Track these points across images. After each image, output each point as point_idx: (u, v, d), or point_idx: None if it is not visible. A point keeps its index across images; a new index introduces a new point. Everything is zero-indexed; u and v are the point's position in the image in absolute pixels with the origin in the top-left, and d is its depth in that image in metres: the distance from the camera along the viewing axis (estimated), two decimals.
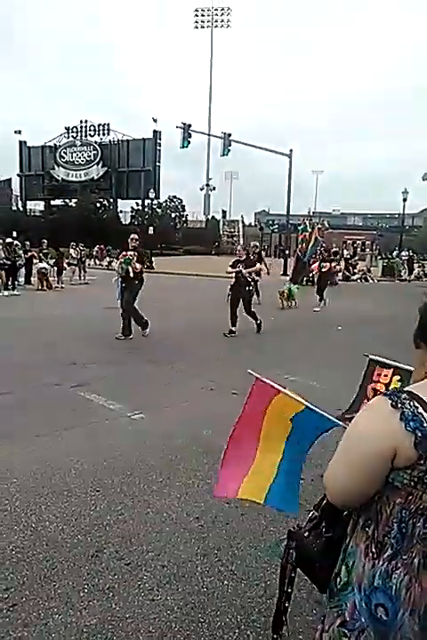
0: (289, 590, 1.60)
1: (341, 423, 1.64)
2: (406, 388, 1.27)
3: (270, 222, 65.36)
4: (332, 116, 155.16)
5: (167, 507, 3.55)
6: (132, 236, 10.57)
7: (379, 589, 1.24)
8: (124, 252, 10.09)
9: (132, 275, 9.77)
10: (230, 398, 5.91)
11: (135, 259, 9.92)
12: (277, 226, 60.07)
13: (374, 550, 1.26)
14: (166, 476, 4.00)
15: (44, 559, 2.92)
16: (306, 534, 1.52)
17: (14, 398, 5.93)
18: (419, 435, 1.16)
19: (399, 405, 1.20)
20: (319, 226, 27.82)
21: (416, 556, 1.21)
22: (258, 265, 11.35)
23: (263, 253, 17.31)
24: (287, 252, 30.81)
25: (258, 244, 16.39)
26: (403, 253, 36.11)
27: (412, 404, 1.20)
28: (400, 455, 1.18)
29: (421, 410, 1.18)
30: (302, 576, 1.62)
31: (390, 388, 1.86)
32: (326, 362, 8.03)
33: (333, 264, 24.46)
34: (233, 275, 10.76)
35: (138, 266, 9.89)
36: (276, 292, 15.62)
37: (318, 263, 23.90)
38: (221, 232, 63.73)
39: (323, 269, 15.96)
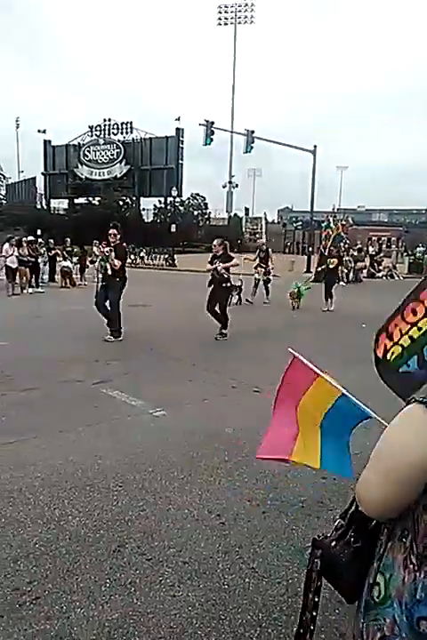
0: (316, 599, 1.55)
1: (377, 417, 1.60)
2: None
3: (294, 219, 64.92)
4: (357, 110, 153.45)
5: (189, 503, 3.55)
6: (110, 231, 10.05)
7: (422, 602, 1.18)
8: (102, 249, 9.83)
9: (110, 272, 9.42)
10: (252, 396, 5.90)
11: (113, 254, 9.50)
12: (300, 223, 59.61)
13: (414, 562, 1.21)
14: (188, 473, 4.00)
15: (67, 553, 2.95)
16: (333, 544, 1.47)
17: (39, 394, 6.02)
18: None
19: None
20: (343, 222, 27.65)
21: None
22: (234, 259, 10.17)
23: (271, 250, 16.98)
24: (311, 249, 30.56)
25: (265, 241, 16.69)
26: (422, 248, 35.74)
27: None
28: None
29: None
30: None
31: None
32: (350, 359, 7.94)
33: (355, 260, 24.36)
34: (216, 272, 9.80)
35: (117, 262, 9.46)
36: (286, 291, 15.04)
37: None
38: (244, 229, 63.54)
39: (330, 266, 14.71)
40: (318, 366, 1.66)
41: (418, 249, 36.64)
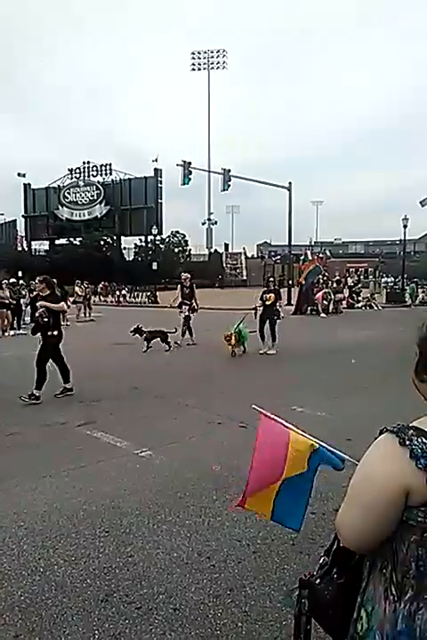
0: None
1: (352, 460, 1.62)
2: (411, 424, 1.24)
3: (273, 253, 65.86)
4: (331, 146, 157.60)
5: (177, 547, 3.48)
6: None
7: (403, 633, 1.19)
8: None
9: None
10: (238, 431, 5.86)
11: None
12: (279, 257, 60.49)
13: (394, 593, 1.22)
14: (176, 515, 3.93)
15: (53, 604, 2.85)
16: (317, 581, 1.46)
17: (21, 438, 5.90)
18: None
19: (408, 443, 1.17)
20: (321, 255, 28.19)
21: None
22: (62, 303, 8.60)
23: (195, 285, 14.45)
24: (290, 282, 30.90)
25: (189, 275, 14.38)
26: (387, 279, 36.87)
27: (420, 440, 1.17)
28: (414, 493, 1.15)
29: None
30: (316, 626, 1.56)
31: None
32: (331, 391, 7.98)
33: (335, 292, 24.73)
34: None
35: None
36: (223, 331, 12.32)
37: (323, 292, 24.13)
38: (225, 265, 64.22)
39: (267, 302, 12.40)
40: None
41: (384, 280, 37.66)
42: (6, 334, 16.69)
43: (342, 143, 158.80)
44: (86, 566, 3.24)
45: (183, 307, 13.89)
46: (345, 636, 1.37)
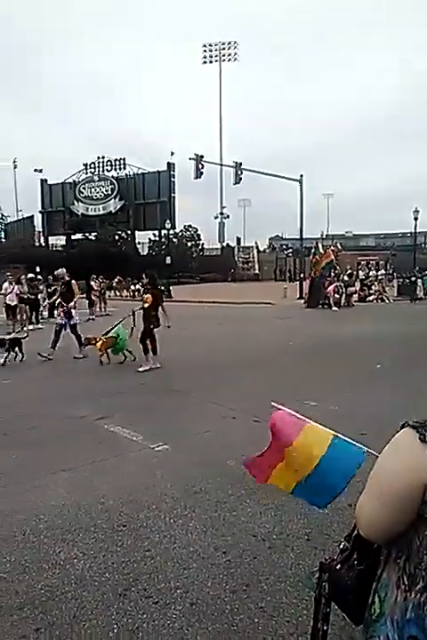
0: (325, 628, 1.57)
1: (371, 451, 1.63)
2: None
3: (284, 246, 65.54)
4: (342, 138, 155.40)
5: (194, 541, 3.52)
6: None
7: (411, 621, 1.23)
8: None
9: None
10: (252, 426, 5.88)
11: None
12: (291, 250, 60.18)
13: (406, 582, 1.25)
14: (192, 509, 3.97)
15: (73, 597, 2.91)
16: (338, 566, 1.50)
17: (40, 432, 5.99)
18: None
19: None
20: (332, 248, 27.97)
21: None
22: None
23: (74, 281, 11.60)
24: (302, 275, 30.75)
25: (65, 271, 11.70)
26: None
27: None
28: None
29: None
30: (335, 610, 1.59)
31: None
32: (344, 385, 7.96)
33: (346, 285, 24.51)
34: None
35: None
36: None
37: (334, 285, 23.96)
38: (237, 258, 64.12)
39: (145, 305, 9.68)
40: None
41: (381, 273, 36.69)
42: (25, 329, 16.87)
43: (354, 135, 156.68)
44: (105, 560, 3.29)
45: (60, 308, 11.54)
46: (362, 619, 1.41)
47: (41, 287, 19.91)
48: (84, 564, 3.25)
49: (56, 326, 11.20)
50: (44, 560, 3.30)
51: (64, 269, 11.89)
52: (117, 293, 38.29)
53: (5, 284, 17.11)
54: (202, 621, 2.71)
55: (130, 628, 2.66)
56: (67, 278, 11.69)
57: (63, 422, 6.37)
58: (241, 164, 29.73)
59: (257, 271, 61.83)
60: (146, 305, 9.59)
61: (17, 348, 10.47)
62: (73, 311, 11.11)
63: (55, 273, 12.45)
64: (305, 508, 3.87)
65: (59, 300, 11.79)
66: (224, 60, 65.31)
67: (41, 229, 63.48)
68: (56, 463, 4.98)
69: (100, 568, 3.20)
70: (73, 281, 11.61)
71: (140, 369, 9.42)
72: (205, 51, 65.95)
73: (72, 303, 11.10)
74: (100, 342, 10.05)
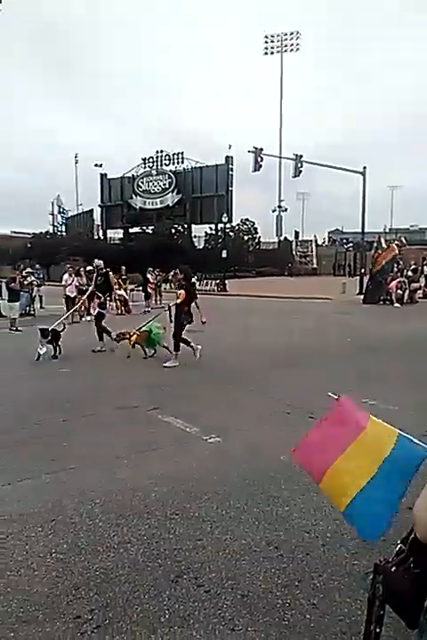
0: (378, 630, 1.52)
1: None
2: None
3: (345, 240, 64.07)
4: (406, 129, 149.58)
5: (245, 534, 3.50)
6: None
7: None
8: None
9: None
10: (307, 422, 5.79)
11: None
12: (351, 244, 58.76)
13: None
14: (244, 502, 3.96)
15: (126, 581, 2.97)
16: (393, 569, 1.45)
17: (97, 419, 6.17)
18: None
19: None
20: (396, 242, 26.99)
21: None
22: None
23: (111, 274, 12.43)
24: (363, 270, 29.95)
25: (101, 262, 11.84)
26: None
27: None
28: None
29: None
30: (389, 612, 1.54)
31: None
32: (405, 384, 7.67)
33: (410, 281, 23.57)
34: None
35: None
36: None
37: (397, 281, 23.14)
38: (294, 252, 63.34)
39: (178, 301, 9.58)
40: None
41: None
42: (83, 319, 17.45)
43: (420, 125, 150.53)
44: (157, 546, 3.34)
45: (95, 300, 11.78)
46: (417, 622, 1.36)
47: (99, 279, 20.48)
48: (137, 549, 3.31)
49: (94, 321, 11.38)
50: (99, 543, 3.38)
51: (101, 261, 11.92)
52: (173, 286, 38.78)
53: (65, 276, 17.78)
54: (253, 613, 2.69)
55: (181, 615, 2.68)
56: (104, 270, 11.76)
57: (118, 412, 6.52)
58: (302, 156, 29.32)
59: (315, 265, 60.88)
60: (178, 300, 9.54)
61: (55, 342, 10.27)
62: (108, 303, 11.30)
63: (94, 263, 12.25)
64: None
65: (93, 291, 11.81)
66: (286, 51, 64.54)
67: (100, 223, 65.37)
68: (111, 450, 5.11)
69: (153, 554, 3.25)
70: (111, 273, 11.75)
71: (167, 364, 9.38)
72: (266, 41, 65.39)
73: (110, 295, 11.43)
74: (135, 336, 10.09)
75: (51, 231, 68.21)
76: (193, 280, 11.28)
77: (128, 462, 4.81)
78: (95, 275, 12.04)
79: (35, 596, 2.83)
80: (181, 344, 9.57)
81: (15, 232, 66.61)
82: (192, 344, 9.70)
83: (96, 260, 12.07)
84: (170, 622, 2.63)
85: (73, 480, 4.39)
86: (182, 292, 9.59)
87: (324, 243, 71.69)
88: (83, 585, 2.94)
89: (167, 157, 58.29)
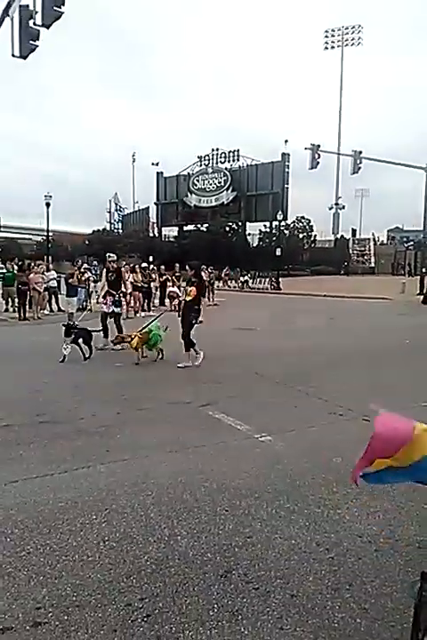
0: (423, 638, 1.47)
1: None
2: None
3: (405, 239, 61.99)
4: None
5: (296, 534, 3.47)
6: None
7: None
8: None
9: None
10: (361, 425, 5.66)
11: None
12: (412, 242, 56.76)
13: None
14: (294, 503, 3.93)
15: (176, 573, 3.01)
16: None
17: (151, 414, 6.29)
18: None
19: None
20: None
21: None
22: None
23: (124, 268, 12.54)
24: (424, 270, 28.88)
25: (114, 256, 11.39)
26: None
27: None
28: None
29: None
30: None
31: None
32: None
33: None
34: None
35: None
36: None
37: None
38: (351, 251, 61.96)
39: (188, 298, 9.34)
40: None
41: None
42: (138, 315, 17.84)
43: None
44: (207, 541, 3.37)
45: (108, 297, 11.11)
46: None
47: (154, 276, 20.88)
48: (187, 542, 3.36)
49: (101, 315, 10.99)
50: (151, 534, 3.45)
51: (114, 255, 11.38)
52: (229, 284, 38.97)
53: None
54: (302, 614, 2.67)
55: (230, 610, 2.69)
56: (115, 266, 11.15)
57: (171, 406, 6.63)
58: (361, 152, 28.62)
59: (373, 264, 59.31)
60: (188, 298, 9.26)
61: (83, 342, 9.67)
62: (123, 300, 10.99)
63: (107, 256, 11.36)
64: (417, 515, 3.67)
65: (106, 288, 10.97)
66: (347, 45, 63.23)
67: (155, 220, 66.46)
68: (164, 443, 5.20)
69: (203, 548, 3.28)
70: (123, 269, 11.53)
71: (180, 365, 9.06)
72: (326, 36, 64.31)
73: (122, 290, 11.00)
74: (136, 339, 9.47)
75: (108, 228, 70.02)
76: (203, 276, 10.92)
77: (179, 456, 4.88)
78: (105, 270, 11.26)
79: (88, 582, 2.92)
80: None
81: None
82: (196, 347, 9.31)
83: (110, 254, 11.40)
84: (218, 616, 2.65)
85: (126, 471, 4.50)
86: (193, 288, 9.23)
87: (383, 241, 69.57)
88: (134, 574, 3.01)
89: (223, 155, 58.42)
